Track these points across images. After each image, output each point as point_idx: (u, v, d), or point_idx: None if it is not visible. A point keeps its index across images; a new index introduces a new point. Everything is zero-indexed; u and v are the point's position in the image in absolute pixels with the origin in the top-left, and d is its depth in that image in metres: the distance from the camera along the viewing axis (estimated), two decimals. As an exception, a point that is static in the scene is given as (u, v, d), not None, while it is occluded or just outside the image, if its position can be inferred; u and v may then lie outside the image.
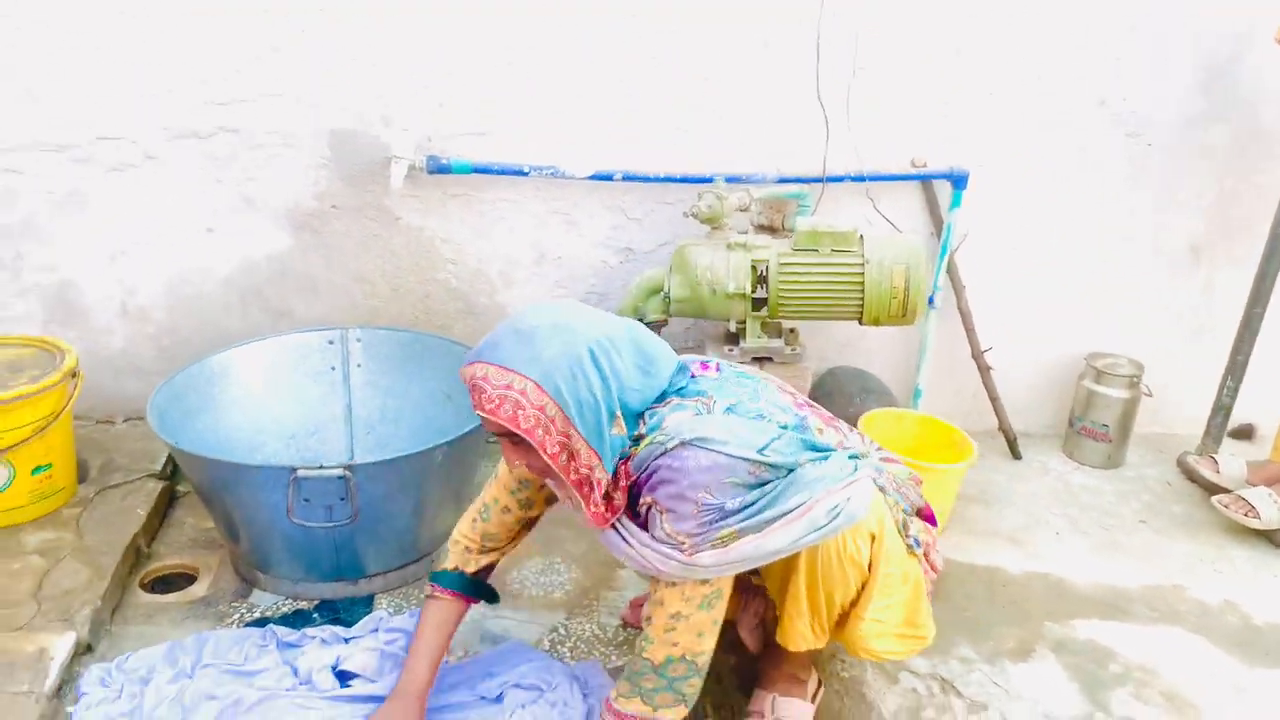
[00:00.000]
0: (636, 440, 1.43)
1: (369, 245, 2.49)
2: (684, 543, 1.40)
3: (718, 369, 1.55)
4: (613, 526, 1.48)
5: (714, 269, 2.28)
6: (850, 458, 1.50)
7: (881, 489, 1.56)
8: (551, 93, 2.39)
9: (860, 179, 2.50)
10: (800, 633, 1.57)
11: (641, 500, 1.45)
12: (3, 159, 2.31)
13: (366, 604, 2.02)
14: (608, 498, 1.44)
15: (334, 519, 1.90)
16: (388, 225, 2.47)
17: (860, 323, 2.32)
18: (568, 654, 1.91)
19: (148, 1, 2.23)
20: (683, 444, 1.38)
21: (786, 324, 2.46)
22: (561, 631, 1.98)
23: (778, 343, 2.37)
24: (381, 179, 2.38)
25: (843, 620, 1.60)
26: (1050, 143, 2.59)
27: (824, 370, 2.68)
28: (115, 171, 2.36)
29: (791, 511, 1.38)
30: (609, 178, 2.43)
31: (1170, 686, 1.93)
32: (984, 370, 2.72)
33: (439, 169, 2.37)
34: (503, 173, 2.41)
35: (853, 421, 2.32)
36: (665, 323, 2.37)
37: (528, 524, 1.74)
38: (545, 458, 1.38)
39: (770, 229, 2.45)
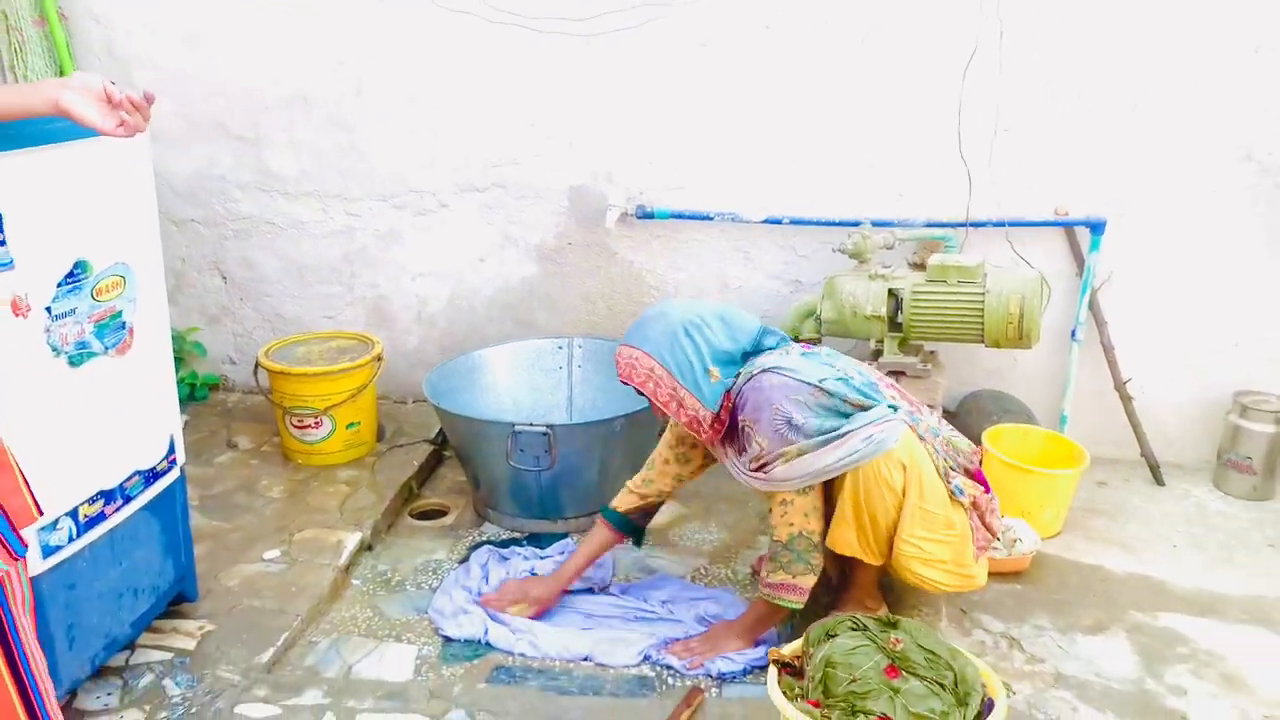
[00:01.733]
0: (737, 378, 2.02)
1: (593, 273, 3.20)
2: (763, 453, 1.93)
3: (810, 346, 2.10)
4: (726, 455, 2.06)
5: (856, 295, 2.76)
6: (890, 407, 1.97)
7: (920, 438, 1.99)
8: (733, 154, 2.99)
9: (1000, 224, 2.88)
10: (846, 539, 2.02)
11: (739, 422, 2.01)
12: (349, 206, 3.26)
13: (560, 538, 2.67)
14: (715, 426, 2.02)
15: (538, 465, 2.58)
16: (607, 258, 3.17)
17: (984, 344, 2.70)
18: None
19: (446, 99, 3.09)
20: (763, 371, 1.98)
21: (927, 346, 2.88)
22: (702, 572, 2.52)
23: (911, 359, 2.79)
24: (603, 222, 3.08)
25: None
26: (1194, 190, 2.83)
27: (967, 393, 3.04)
28: (420, 215, 3.24)
29: (839, 438, 1.89)
30: (779, 221, 2.99)
31: (1232, 670, 2.14)
32: (1126, 400, 2.96)
33: (645, 215, 3.05)
34: (693, 218, 3.04)
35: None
36: (818, 340, 2.86)
37: (682, 477, 2.31)
38: (659, 404, 1.98)
39: (920, 266, 2.88)
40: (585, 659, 2.13)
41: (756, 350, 2.09)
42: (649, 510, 2.35)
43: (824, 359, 2.08)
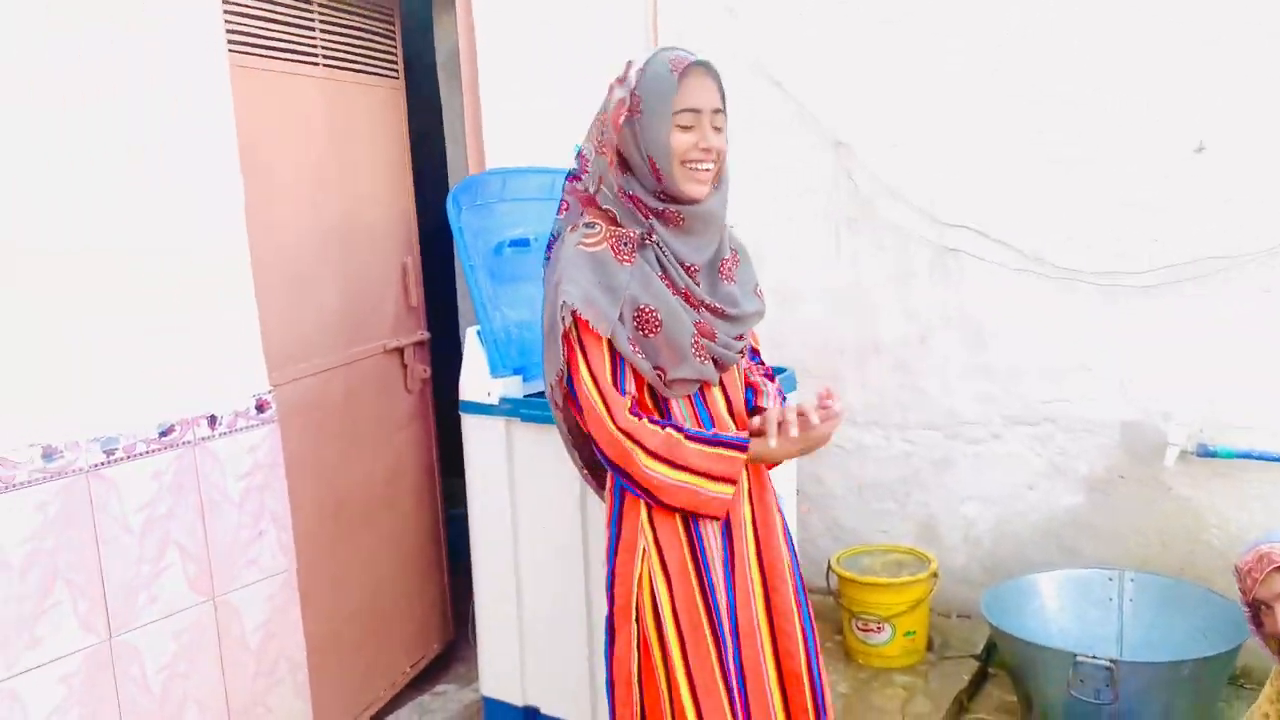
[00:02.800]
0: None
1: (1145, 507, 3.27)
2: None
3: None
4: None
5: None
6: None
7: None
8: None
9: None
10: None
11: None
12: (903, 434, 3.72)
13: (1122, 774, 2.71)
14: None
15: (1099, 699, 2.68)
16: (1161, 493, 3.24)
17: None
18: None
19: (1003, 345, 3.46)
20: None
21: None
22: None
23: None
24: (1158, 458, 3.18)
25: None
26: None
27: None
28: (971, 444, 3.59)
29: None
30: (1369, 469, 2.87)
31: None
32: None
33: (1206, 453, 3.10)
34: (1263, 458, 3.02)
35: None
36: None
37: None
38: None
39: None
40: None
41: None
42: None
43: None
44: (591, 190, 1.81)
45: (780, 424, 1.81)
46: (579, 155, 1.86)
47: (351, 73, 2.81)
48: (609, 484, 1.88)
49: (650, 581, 1.79)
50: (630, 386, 1.74)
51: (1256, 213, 3.00)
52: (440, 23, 2.97)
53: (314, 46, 2.66)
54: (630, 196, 1.76)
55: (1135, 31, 3.11)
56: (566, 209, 1.89)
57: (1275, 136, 2.95)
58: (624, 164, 1.77)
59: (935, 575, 3.36)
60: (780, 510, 1.98)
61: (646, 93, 1.73)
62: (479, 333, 2.37)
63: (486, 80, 2.97)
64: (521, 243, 2.53)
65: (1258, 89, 2.96)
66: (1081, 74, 3.20)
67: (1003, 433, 3.53)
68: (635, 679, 1.84)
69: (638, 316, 1.72)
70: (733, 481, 1.77)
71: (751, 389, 1.97)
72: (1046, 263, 3.32)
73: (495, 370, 2.32)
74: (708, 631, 1.80)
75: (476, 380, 2.35)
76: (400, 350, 3.00)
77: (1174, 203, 3.11)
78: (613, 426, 1.70)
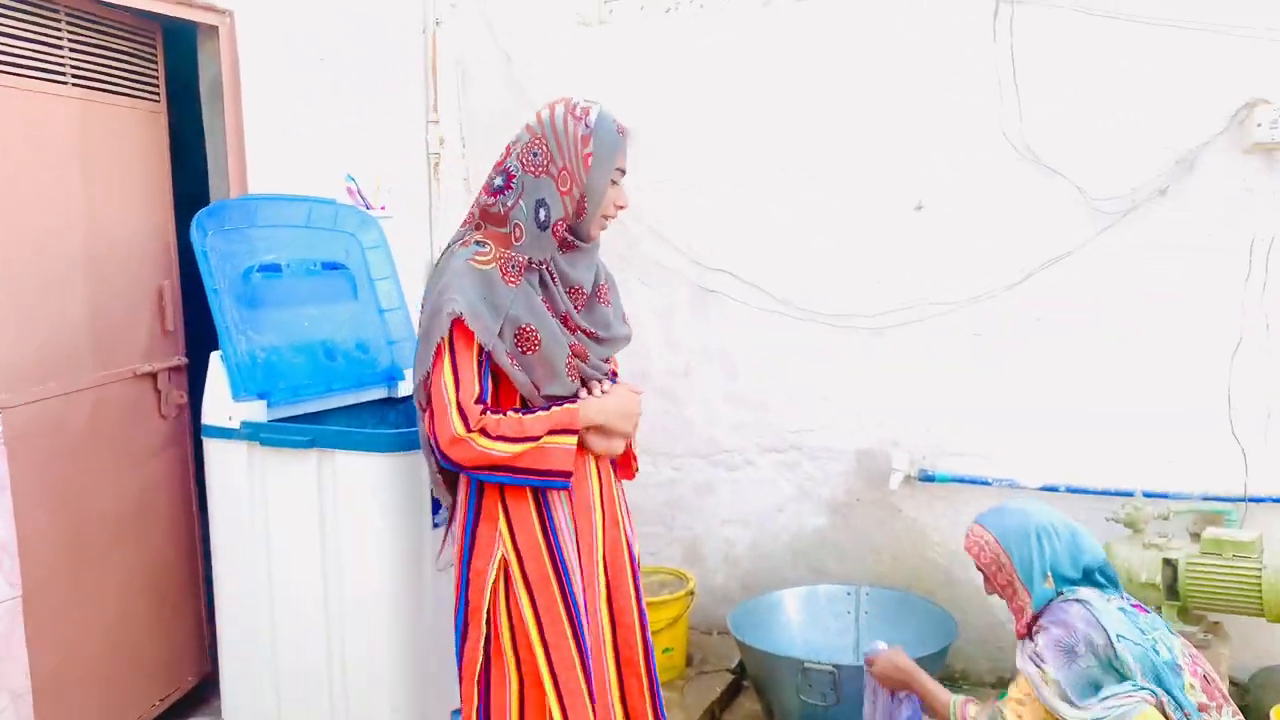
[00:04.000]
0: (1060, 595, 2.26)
1: (878, 527, 3.59)
2: (1037, 658, 2.17)
3: (1146, 611, 2.29)
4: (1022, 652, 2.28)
5: (1131, 563, 2.95)
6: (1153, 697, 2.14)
7: None
8: (1007, 425, 3.35)
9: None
10: None
11: (1037, 624, 2.24)
12: (670, 461, 3.92)
13: (843, 770, 2.96)
14: (1027, 626, 2.26)
15: (825, 701, 2.93)
16: (891, 514, 3.57)
17: (1265, 618, 2.77)
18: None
19: (757, 378, 3.73)
20: (1077, 600, 2.21)
21: (1210, 616, 2.97)
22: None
23: (1191, 629, 2.90)
24: (888, 482, 3.51)
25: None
26: None
27: (1262, 668, 3.03)
28: (730, 470, 3.83)
29: (1081, 706, 2.10)
30: (1055, 489, 3.27)
31: None
32: None
33: (927, 478, 3.44)
34: (974, 483, 3.39)
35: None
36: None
37: None
38: (995, 585, 2.32)
39: (1199, 536, 3.03)
40: None
41: (1089, 580, 2.28)
42: None
43: (1142, 623, 2.22)
44: (508, 205, 1.93)
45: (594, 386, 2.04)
46: (505, 172, 1.97)
47: (107, 93, 2.78)
48: (462, 494, 2.01)
49: (506, 586, 1.96)
50: (489, 399, 1.91)
51: (966, 265, 3.39)
52: (204, 48, 2.97)
53: (63, 65, 2.62)
54: (546, 226, 1.93)
55: (865, 104, 3.47)
56: (470, 220, 2.03)
57: (980, 201, 3.35)
58: (564, 198, 1.93)
59: (692, 594, 3.55)
60: (626, 520, 2.18)
61: (599, 144, 1.93)
62: (222, 357, 2.38)
63: (251, 107, 3.00)
64: (273, 269, 2.56)
65: (967, 159, 3.35)
66: (821, 140, 3.53)
67: (757, 459, 3.79)
68: (477, 676, 2.00)
69: (518, 335, 1.90)
70: (572, 431, 1.92)
71: None
72: (791, 304, 3.62)
73: (237, 394, 2.35)
74: (568, 630, 1.97)
75: (218, 404, 2.36)
76: (154, 375, 2.95)
77: (898, 254, 3.47)
78: (460, 429, 1.85)
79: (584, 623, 2.00)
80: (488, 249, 1.93)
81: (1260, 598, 2.75)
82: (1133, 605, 2.30)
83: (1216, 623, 2.97)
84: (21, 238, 2.51)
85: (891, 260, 3.49)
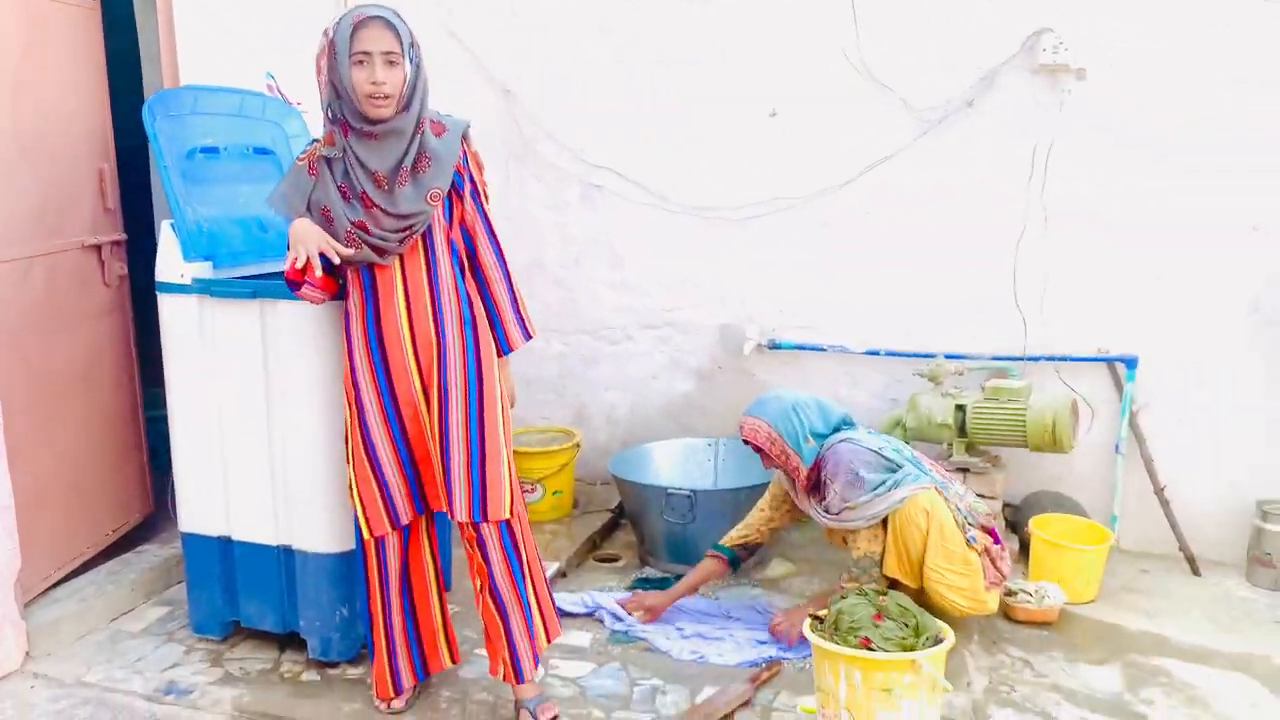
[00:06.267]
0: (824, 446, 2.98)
1: (735, 390, 4.22)
2: (839, 499, 2.86)
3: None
4: (810, 504, 2.99)
5: (932, 409, 3.64)
6: (927, 475, 2.86)
7: (946, 499, 2.86)
8: (843, 301, 4.00)
9: (1050, 359, 3.72)
10: (890, 564, 2.90)
11: (822, 478, 2.95)
12: (561, 338, 4.47)
13: (700, 578, 3.61)
14: (809, 477, 2.97)
15: (684, 520, 3.57)
16: (746, 379, 4.20)
17: (1028, 449, 3.51)
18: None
19: (636, 265, 4.29)
20: (840, 441, 2.93)
21: (992, 450, 3.70)
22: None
23: (975, 459, 3.62)
24: (743, 352, 4.13)
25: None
26: (1210, 335, 3.57)
27: (1031, 492, 3.80)
28: (612, 345, 4.40)
29: (886, 492, 2.80)
30: (877, 353, 3.94)
31: (1198, 694, 2.79)
32: (1164, 504, 3.64)
33: (775, 346, 4.08)
34: (812, 349, 4.04)
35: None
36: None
37: (773, 523, 3.25)
38: (772, 457, 2.97)
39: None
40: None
41: (839, 430, 3.04)
42: (748, 547, 3.28)
43: (884, 439, 3.01)
44: (323, 111, 2.43)
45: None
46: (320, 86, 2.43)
47: (47, -7, 3.10)
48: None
49: (351, 373, 2.53)
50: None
51: (812, 165, 3.98)
52: (136, -52, 3.29)
53: (9, -36, 2.93)
54: (339, 120, 2.36)
55: (730, 28, 3.99)
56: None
57: (824, 110, 3.93)
58: (336, 93, 2.36)
59: (578, 446, 4.14)
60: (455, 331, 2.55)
61: (337, 40, 2.34)
62: (172, 224, 2.80)
63: (180, 4, 3.34)
64: (212, 151, 2.97)
65: (814, 74, 3.91)
66: (690, 51, 4.05)
67: (636, 335, 4.37)
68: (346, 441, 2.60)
69: (322, 213, 2.43)
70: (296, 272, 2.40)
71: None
72: (668, 199, 4.17)
73: (188, 256, 2.77)
74: (374, 405, 2.53)
75: (171, 265, 2.79)
76: (98, 248, 3.33)
77: (757, 155, 4.04)
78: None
79: (367, 405, 2.51)
80: (313, 147, 2.47)
81: (1024, 432, 3.48)
82: (869, 432, 3.05)
83: (996, 455, 3.71)
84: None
85: (751, 160, 4.06)
